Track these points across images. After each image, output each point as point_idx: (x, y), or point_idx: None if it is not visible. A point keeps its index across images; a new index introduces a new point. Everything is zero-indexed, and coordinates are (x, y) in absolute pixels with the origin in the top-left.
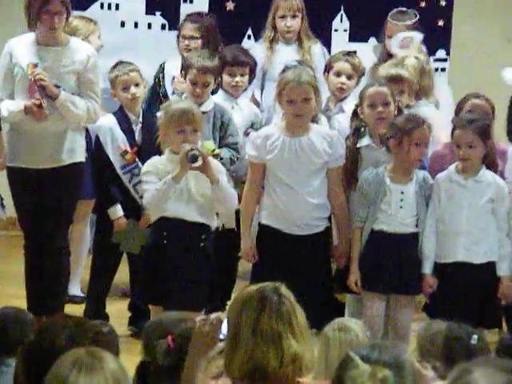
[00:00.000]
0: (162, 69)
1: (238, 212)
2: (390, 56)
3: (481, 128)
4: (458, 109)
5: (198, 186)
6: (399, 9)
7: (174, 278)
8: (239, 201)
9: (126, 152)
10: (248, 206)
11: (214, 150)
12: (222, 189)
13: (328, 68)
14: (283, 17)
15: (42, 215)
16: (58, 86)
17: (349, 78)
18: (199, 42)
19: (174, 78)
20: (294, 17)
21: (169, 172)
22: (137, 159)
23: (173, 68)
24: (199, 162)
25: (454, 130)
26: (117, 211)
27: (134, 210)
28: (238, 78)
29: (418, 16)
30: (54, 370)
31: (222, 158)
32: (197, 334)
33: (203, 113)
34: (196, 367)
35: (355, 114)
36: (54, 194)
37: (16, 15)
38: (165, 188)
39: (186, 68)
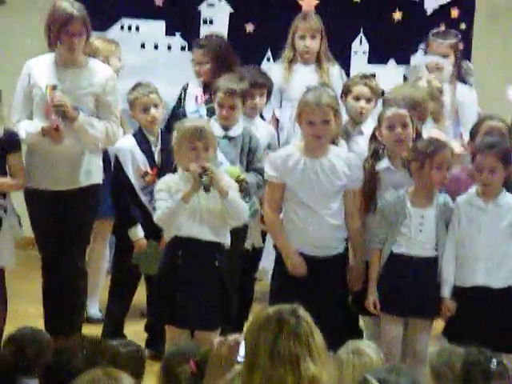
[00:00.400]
0: (184, 90)
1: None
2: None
3: (502, 152)
4: (474, 132)
5: (209, 204)
6: (440, 28)
7: (189, 298)
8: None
9: (146, 173)
10: (276, 223)
11: (238, 176)
12: (232, 202)
13: (346, 92)
14: (302, 37)
15: (59, 236)
16: (76, 108)
17: (368, 101)
18: (208, 66)
19: (197, 98)
20: (313, 37)
21: (181, 189)
22: (157, 180)
23: (195, 89)
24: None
25: (474, 155)
26: (137, 232)
27: (154, 231)
28: (256, 100)
29: (460, 36)
30: None
31: (247, 183)
32: (214, 356)
33: (231, 138)
34: None
35: (374, 136)
36: (70, 216)
37: (36, 31)
38: (175, 207)
39: (214, 91)
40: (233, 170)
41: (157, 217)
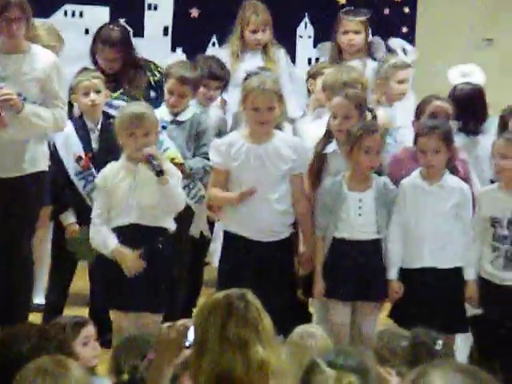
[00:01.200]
0: None
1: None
2: (341, 53)
3: (445, 134)
4: (420, 111)
5: (147, 199)
6: (350, 7)
7: (132, 281)
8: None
9: (80, 158)
10: (217, 193)
11: (173, 159)
12: (171, 189)
13: (315, 75)
14: (254, 31)
15: (5, 225)
16: (21, 98)
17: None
18: (119, 63)
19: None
20: (263, 31)
21: (115, 183)
22: (91, 166)
23: None
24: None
25: (417, 137)
26: (69, 217)
27: (88, 217)
28: (212, 93)
29: (371, 12)
30: (19, 378)
31: (191, 169)
32: (162, 341)
33: (179, 122)
34: (162, 374)
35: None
36: (16, 204)
37: None
38: (104, 243)
39: (165, 77)
40: (171, 153)
41: (90, 234)
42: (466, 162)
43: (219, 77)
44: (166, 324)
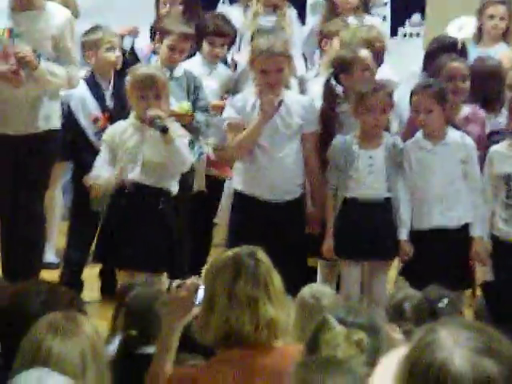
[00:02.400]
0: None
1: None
2: (335, 9)
3: (438, 92)
4: (435, 73)
5: (153, 155)
6: None
7: (132, 239)
8: (213, 165)
9: (97, 119)
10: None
11: (188, 111)
12: (177, 149)
13: (330, 35)
14: None
15: (17, 181)
16: (34, 51)
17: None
18: (180, 7)
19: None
20: None
21: (123, 139)
22: (109, 125)
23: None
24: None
25: (411, 96)
26: (91, 177)
27: None
28: (218, 49)
29: None
30: (29, 334)
31: (197, 122)
32: (172, 299)
33: (176, 78)
34: (172, 332)
35: (332, 79)
36: (29, 161)
37: None
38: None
39: (163, 33)
40: (184, 105)
41: (89, 175)
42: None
43: (224, 33)
44: (176, 282)
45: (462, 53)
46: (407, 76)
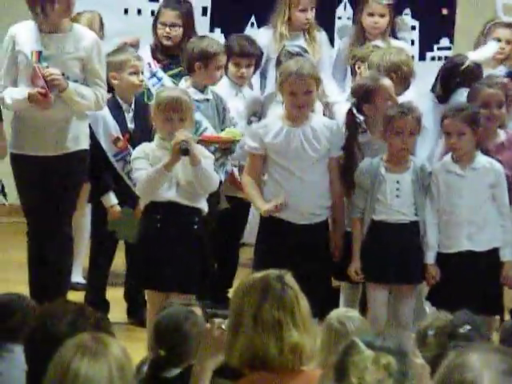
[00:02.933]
0: None
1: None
2: (364, 33)
3: (470, 116)
4: (470, 98)
5: (186, 172)
6: None
7: (168, 261)
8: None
9: (118, 139)
10: (249, 184)
11: (237, 136)
12: (203, 171)
13: (364, 58)
14: (303, 10)
15: (46, 202)
16: (62, 74)
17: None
18: (180, 29)
19: (150, 64)
20: (312, 9)
21: (158, 157)
22: (129, 146)
23: (145, 54)
24: (190, 155)
25: (443, 119)
26: (110, 199)
27: (129, 197)
28: (243, 70)
29: None
30: (57, 355)
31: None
32: (207, 337)
33: (207, 100)
34: (203, 372)
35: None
36: (58, 182)
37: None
38: (157, 176)
39: (215, 54)
40: (234, 130)
41: (138, 188)
42: None
43: (249, 54)
44: (213, 321)
45: (471, 74)
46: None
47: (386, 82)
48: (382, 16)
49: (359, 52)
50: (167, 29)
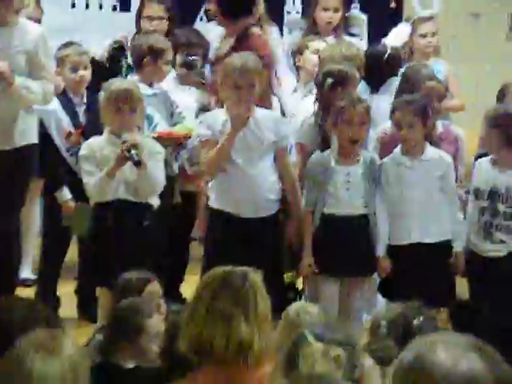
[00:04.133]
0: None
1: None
2: (315, 27)
3: (420, 108)
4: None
5: (132, 174)
6: None
7: (120, 258)
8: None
9: (70, 134)
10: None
11: (191, 131)
12: (148, 174)
13: (301, 49)
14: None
15: None
16: (11, 71)
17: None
18: (166, 23)
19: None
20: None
21: (106, 157)
22: (82, 140)
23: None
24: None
25: (393, 111)
26: (64, 194)
27: (83, 192)
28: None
29: None
30: (11, 352)
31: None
32: None
33: (155, 94)
34: None
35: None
36: (6, 176)
37: None
38: (102, 183)
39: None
40: (187, 125)
41: (88, 191)
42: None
43: (196, 44)
44: None
45: (394, 61)
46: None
47: (357, 74)
48: (337, 11)
49: (294, 46)
50: (154, 22)
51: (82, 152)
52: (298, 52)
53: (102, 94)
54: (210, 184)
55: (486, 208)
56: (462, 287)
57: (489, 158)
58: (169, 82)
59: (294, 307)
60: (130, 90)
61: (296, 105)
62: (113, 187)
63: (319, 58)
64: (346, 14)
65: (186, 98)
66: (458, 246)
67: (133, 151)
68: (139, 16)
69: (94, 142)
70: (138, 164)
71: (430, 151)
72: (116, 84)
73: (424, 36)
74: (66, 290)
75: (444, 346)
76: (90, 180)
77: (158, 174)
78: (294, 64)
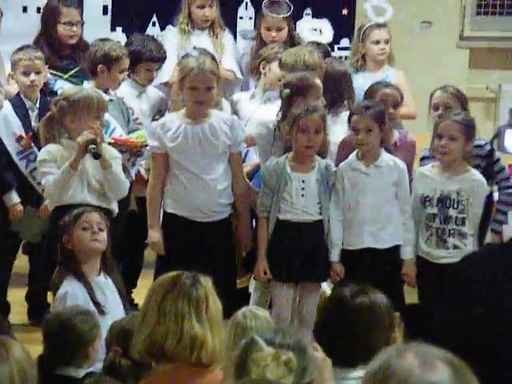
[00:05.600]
0: None
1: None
2: (264, 44)
3: (377, 113)
4: (368, 97)
5: (95, 171)
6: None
7: None
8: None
9: (21, 138)
10: (155, 198)
11: (144, 140)
12: (114, 174)
13: (269, 59)
14: (200, 6)
15: None
16: None
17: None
18: (80, 27)
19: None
20: (210, 6)
21: (66, 157)
22: (33, 145)
23: None
24: (101, 159)
25: (350, 116)
26: (12, 198)
27: (32, 196)
28: (154, 73)
29: (292, 7)
30: None
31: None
32: None
33: (111, 100)
34: None
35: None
36: None
37: None
38: (64, 176)
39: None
40: (144, 134)
41: (47, 192)
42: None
43: (160, 58)
44: None
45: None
46: None
47: (319, 82)
48: (280, 30)
49: (264, 52)
50: (74, 27)
51: (41, 157)
52: (266, 60)
53: (62, 101)
54: (165, 189)
55: (437, 215)
56: (411, 294)
57: (429, 166)
58: (123, 88)
59: (241, 311)
60: (94, 97)
61: (251, 111)
62: (76, 190)
63: (280, 62)
64: (294, 32)
65: (141, 104)
66: (409, 253)
67: (91, 145)
68: (55, 22)
69: (52, 147)
70: (97, 156)
71: (386, 157)
72: (81, 91)
73: (377, 43)
74: (17, 296)
75: (413, 354)
76: (50, 178)
77: (121, 174)
78: (256, 70)
